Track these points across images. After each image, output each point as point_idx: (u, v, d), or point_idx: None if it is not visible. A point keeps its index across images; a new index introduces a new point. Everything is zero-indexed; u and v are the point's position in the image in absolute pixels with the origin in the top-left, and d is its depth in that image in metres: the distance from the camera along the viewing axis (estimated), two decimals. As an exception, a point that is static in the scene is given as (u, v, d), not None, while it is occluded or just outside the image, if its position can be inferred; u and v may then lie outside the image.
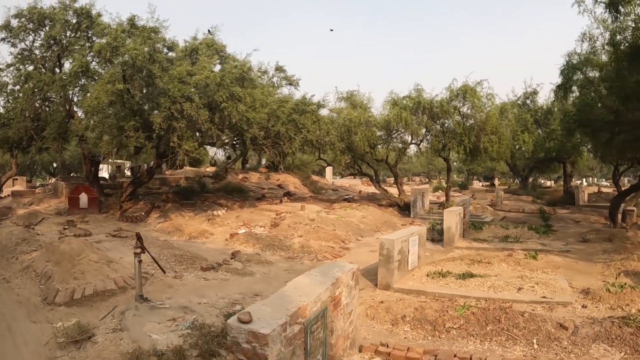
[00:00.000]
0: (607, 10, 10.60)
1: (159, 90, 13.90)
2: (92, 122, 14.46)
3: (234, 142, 19.51)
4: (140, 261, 6.95)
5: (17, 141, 18.14)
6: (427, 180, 55.41)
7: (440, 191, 34.13)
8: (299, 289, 3.90)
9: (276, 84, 27.88)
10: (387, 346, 5.08)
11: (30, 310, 6.82)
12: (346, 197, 26.23)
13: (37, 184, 34.63)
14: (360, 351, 4.93)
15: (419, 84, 22.14)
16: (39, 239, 11.81)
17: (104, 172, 31.30)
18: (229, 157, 29.15)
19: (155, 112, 14.08)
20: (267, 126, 16.74)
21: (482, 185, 46.99)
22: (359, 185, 37.72)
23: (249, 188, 26.35)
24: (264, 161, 36.73)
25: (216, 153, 28.34)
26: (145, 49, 13.80)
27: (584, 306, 7.09)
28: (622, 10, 10.18)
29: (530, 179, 38.56)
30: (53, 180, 34.13)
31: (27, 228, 13.93)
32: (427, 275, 8.66)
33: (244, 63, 16.87)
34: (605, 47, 11.25)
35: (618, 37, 10.56)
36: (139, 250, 6.99)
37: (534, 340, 5.66)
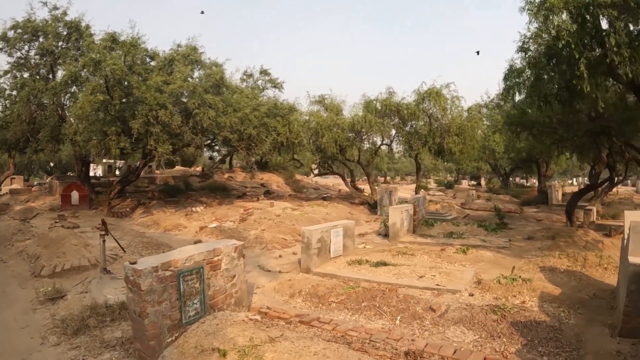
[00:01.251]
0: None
1: (137, 99, 16.30)
2: (80, 127, 16.80)
3: (211, 144, 21.87)
4: (104, 241, 9.32)
5: (14, 143, 20.75)
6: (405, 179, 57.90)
7: (422, 190, 36.32)
8: (182, 252, 6.02)
9: (261, 87, 30.29)
10: (268, 308, 7.28)
11: (21, 281, 9.18)
12: (324, 195, 28.55)
13: (35, 182, 37.36)
14: (248, 310, 7.14)
15: (391, 87, 24.52)
16: (32, 230, 14.24)
17: (98, 171, 33.92)
18: (210, 158, 31.59)
19: (134, 119, 16.40)
20: (239, 129, 19.01)
21: (469, 185, 49.19)
22: (342, 184, 40.09)
23: (233, 187, 28.73)
24: (235, 162, 38.78)
25: (203, 154, 30.83)
26: (124, 62, 16.22)
27: (471, 294, 7.79)
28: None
29: (516, 179, 40.86)
30: (49, 179, 36.93)
31: (23, 221, 16.37)
32: (347, 263, 10.45)
33: (217, 72, 19.17)
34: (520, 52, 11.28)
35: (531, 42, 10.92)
36: (103, 233, 9.36)
37: (399, 317, 6.80)
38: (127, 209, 20.79)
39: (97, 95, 15.18)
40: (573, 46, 9.06)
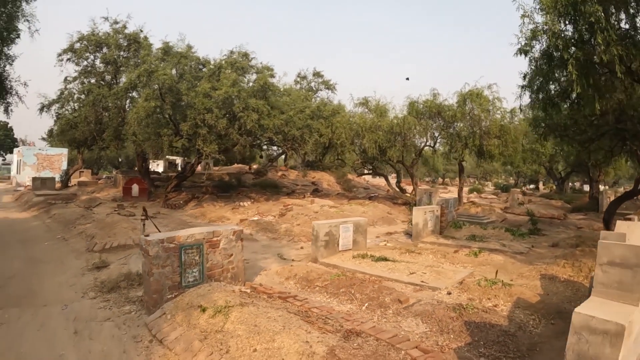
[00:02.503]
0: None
1: (187, 104, 18.86)
2: (136, 129, 19.62)
3: (257, 144, 24.23)
4: (144, 225, 11.65)
5: (82, 141, 24.31)
6: (475, 182, 57.77)
7: (475, 193, 36.97)
8: (187, 232, 8.01)
9: (314, 88, 32.50)
10: (260, 285, 9.07)
11: (77, 254, 11.63)
12: (372, 195, 30.06)
13: (104, 176, 41.83)
14: (243, 284, 8.96)
15: (435, 88, 25.67)
16: (93, 216, 16.95)
17: (160, 167, 37.71)
18: (261, 157, 34.17)
19: (185, 121, 18.94)
20: (283, 130, 21.14)
21: (527, 189, 48.68)
22: (394, 184, 41.29)
23: (284, 184, 31.00)
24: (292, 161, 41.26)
25: (260, 154, 33.47)
26: (176, 71, 18.90)
27: (448, 293, 8.20)
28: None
29: (576, 184, 40.11)
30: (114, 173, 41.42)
31: (86, 209, 19.30)
32: (353, 256, 11.71)
33: (261, 77, 21.37)
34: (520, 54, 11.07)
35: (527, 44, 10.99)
36: (144, 218, 11.70)
37: (366, 304, 7.72)
38: (181, 202, 23.49)
39: (150, 102, 17.88)
40: (561, 47, 9.49)
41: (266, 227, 16.84)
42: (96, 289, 8.65)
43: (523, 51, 10.82)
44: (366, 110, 25.74)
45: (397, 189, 27.65)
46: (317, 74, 33.12)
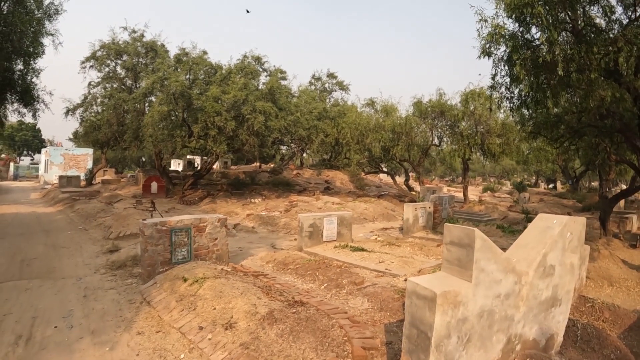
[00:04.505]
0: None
1: (198, 107, 21.05)
2: (152, 131, 21.89)
3: (264, 144, 26.24)
4: (152, 214, 13.78)
5: (105, 142, 26.94)
6: (493, 180, 58.65)
7: (488, 192, 38.15)
8: (176, 217, 10.04)
9: (328, 89, 34.39)
10: (241, 266, 10.96)
11: (94, 241, 13.81)
12: (382, 193, 31.70)
13: (128, 174, 44.82)
14: (227, 265, 10.84)
15: (441, 88, 27.18)
16: (112, 210, 19.17)
17: (180, 166, 40.42)
18: (273, 156, 36.27)
19: (196, 124, 21.13)
20: (290, 131, 23.12)
21: (546, 188, 49.33)
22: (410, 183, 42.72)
23: (297, 182, 32.93)
24: (309, 160, 43.39)
25: (273, 153, 35.55)
26: (187, 77, 21.15)
27: (405, 280, 8.82)
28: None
29: (592, 183, 40.64)
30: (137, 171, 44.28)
31: (107, 204, 21.67)
32: (334, 246, 12.99)
33: (270, 80, 23.35)
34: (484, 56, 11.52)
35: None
36: (152, 209, 13.83)
37: (325, 284, 9.09)
38: (196, 198, 25.68)
39: (163, 107, 20.12)
40: (510, 48, 10.38)
41: (267, 221, 18.80)
42: (107, 267, 10.69)
43: (487, 53, 11.35)
44: (372, 110, 27.47)
45: (405, 187, 29.28)
46: (331, 75, 34.98)
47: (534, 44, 10.26)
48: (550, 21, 9.47)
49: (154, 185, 26.62)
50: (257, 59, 25.66)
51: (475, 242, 4.60)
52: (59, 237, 14.60)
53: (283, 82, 26.38)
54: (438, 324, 4.32)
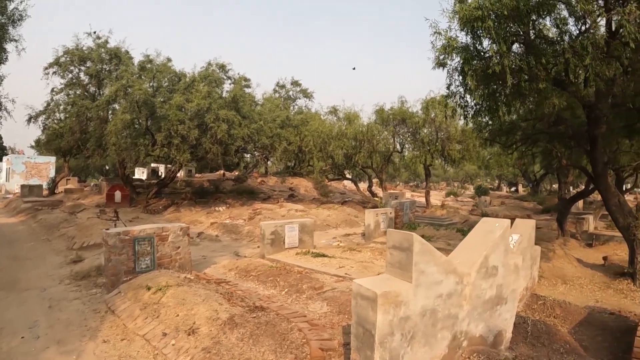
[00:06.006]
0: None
1: (161, 116, 21.26)
2: (115, 139, 21.96)
3: (227, 152, 26.59)
4: (115, 224, 13.99)
5: (68, 150, 26.77)
6: (457, 185, 60.34)
7: (451, 196, 39.37)
8: (140, 226, 10.36)
9: (292, 97, 34.93)
10: (204, 274, 11.34)
11: (58, 252, 13.90)
12: (346, 199, 32.33)
13: (92, 183, 44.36)
14: (190, 273, 11.17)
15: (403, 96, 28.12)
16: (75, 220, 19.19)
17: (144, 174, 40.27)
18: (237, 164, 36.57)
19: (160, 132, 21.34)
20: (254, 139, 23.52)
21: (507, 191, 51.16)
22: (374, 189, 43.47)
23: (261, 190, 33.27)
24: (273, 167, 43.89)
25: (237, 160, 35.87)
26: (151, 85, 21.35)
27: None
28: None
29: (554, 185, 42.23)
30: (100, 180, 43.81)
31: (70, 214, 21.62)
32: (296, 253, 13.38)
33: (234, 89, 23.72)
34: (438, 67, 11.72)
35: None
36: (115, 219, 14.04)
37: (286, 290, 9.49)
38: (160, 207, 25.78)
39: (126, 115, 20.28)
40: (462, 60, 10.76)
41: (231, 230, 19.15)
42: (71, 278, 10.88)
43: (441, 64, 11.55)
44: (335, 118, 28.15)
45: (369, 193, 30.00)
46: (295, 83, 35.60)
47: (486, 56, 10.68)
48: (500, 34, 9.89)
49: (118, 195, 26.59)
50: (222, 67, 26.01)
51: (414, 246, 5.03)
52: (22, 248, 14.67)
53: (247, 90, 26.77)
54: (380, 322, 4.74)
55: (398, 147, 28.20)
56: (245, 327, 6.89)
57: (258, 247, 16.03)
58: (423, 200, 30.65)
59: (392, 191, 30.34)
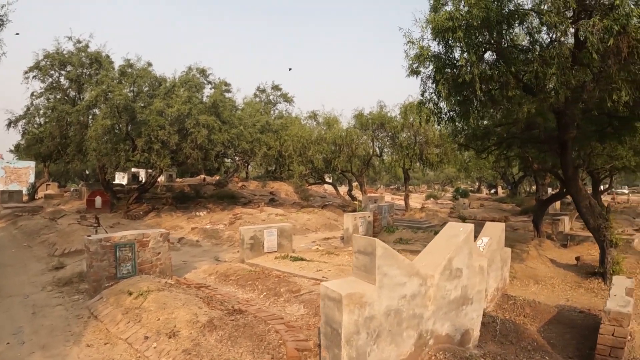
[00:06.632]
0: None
1: (142, 121, 21.53)
2: (95, 144, 22.15)
3: (208, 157, 26.91)
4: (96, 231, 14.25)
5: (48, 155, 26.80)
6: (438, 188, 61.42)
7: (431, 199, 40.14)
8: (121, 233, 10.70)
9: (273, 101, 35.33)
10: (185, 279, 11.70)
11: (39, 259, 14.12)
12: (326, 203, 32.75)
13: (72, 188, 44.23)
14: (171, 278, 11.53)
15: (382, 100, 28.75)
16: (56, 226, 19.37)
17: (125, 179, 40.30)
18: (217, 169, 36.86)
19: (140, 137, 21.60)
20: (234, 144, 23.88)
21: (486, 193, 52.26)
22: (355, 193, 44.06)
23: (242, 195, 33.52)
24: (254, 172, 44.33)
25: (217, 165, 36.10)
26: (131, 90, 21.62)
27: None
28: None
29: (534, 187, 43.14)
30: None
31: (51, 220, 21.75)
32: (275, 257, 13.77)
33: (214, 94, 24.05)
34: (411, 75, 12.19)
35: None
36: (96, 225, 14.32)
37: (264, 293, 9.91)
38: (141, 213, 25.95)
39: (106, 120, 20.52)
40: (434, 69, 11.21)
41: (212, 235, 19.48)
42: (53, 284, 11.15)
43: (414, 72, 11.93)
44: (315, 123, 28.63)
45: (349, 197, 30.53)
46: (275, 87, 36.00)
47: (457, 65, 11.01)
48: (471, 44, 10.30)
49: (98, 200, 26.70)
50: (202, 72, 26.37)
51: (377, 250, 5.40)
52: (3, 255, 14.85)
53: (227, 95, 27.15)
54: (346, 321, 5.12)
55: (377, 151, 28.74)
56: (224, 330, 7.24)
57: (238, 251, 16.28)
58: (403, 203, 31.24)
59: (371, 195, 30.80)
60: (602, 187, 33.65)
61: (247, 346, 6.78)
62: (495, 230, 11.21)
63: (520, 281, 12.59)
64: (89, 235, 10.21)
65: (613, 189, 56.44)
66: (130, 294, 8.93)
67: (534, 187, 53.44)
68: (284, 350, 6.76)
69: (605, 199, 43.89)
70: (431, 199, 42.60)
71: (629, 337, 7.55)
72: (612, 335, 6.97)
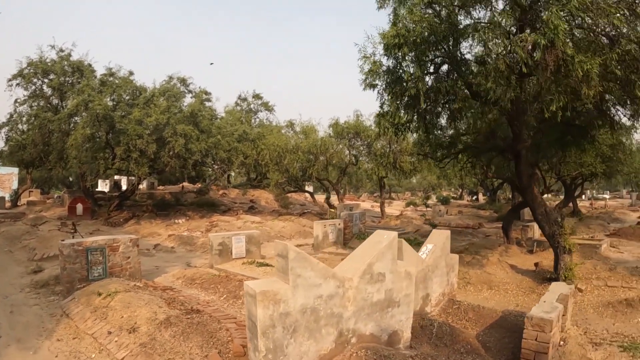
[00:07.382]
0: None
1: (121, 130, 22.65)
2: (75, 153, 23.17)
3: (186, 166, 28.02)
4: (73, 236, 15.32)
5: (30, 162, 27.79)
6: (419, 195, 62.84)
7: (411, 206, 41.42)
8: (92, 237, 11.81)
9: (254, 109, 36.49)
10: (153, 282, 12.68)
11: (19, 262, 15.12)
12: (305, 211, 33.84)
13: (55, 195, 44.99)
14: (140, 281, 12.50)
15: (358, 110, 30.01)
16: (37, 232, 20.35)
17: (107, 186, 41.21)
18: (197, 177, 37.95)
19: (119, 146, 22.71)
20: (212, 153, 25.04)
21: (468, 200, 53.70)
22: (334, 201, 44.98)
23: (222, 202, 34.56)
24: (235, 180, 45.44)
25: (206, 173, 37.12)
26: (111, 100, 22.75)
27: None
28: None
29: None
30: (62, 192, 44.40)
31: (32, 226, 22.74)
32: (242, 263, 14.73)
33: (193, 104, 25.19)
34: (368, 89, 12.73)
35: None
36: (73, 231, 15.40)
37: (224, 295, 10.92)
38: (121, 220, 26.92)
39: (86, 129, 21.62)
40: (385, 85, 12.07)
41: (187, 241, 20.56)
42: (31, 286, 12.13)
43: (370, 86, 12.40)
44: (292, 132, 29.86)
45: (327, 205, 31.72)
46: (256, 96, 37.08)
47: (404, 79, 11.50)
48: (418, 59, 10.96)
49: (80, 207, 27.65)
50: (182, 81, 27.53)
51: (289, 254, 6.10)
52: (-17, 260, 15.87)
53: (207, 104, 28.12)
54: (261, 315, 5.85)
55: (353, 159, 29.91)
56: (178, 326, 8.22)
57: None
58: (377, 210, 32.37)
59: (347, 202, 31.87)
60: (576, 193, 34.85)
61: (197, 341, 7.70)
62: (440, 238, 11.76)
63: (474, 286, 13.19)
64: (63, 240, 11.27)
65: (593, 195, 58.29)
66: (100, 294, 9.92)
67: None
68: (231, 346, 7.64)
69: (583, 204, 45.32)
70: (411, 206, 43.82)
71: (561, 343, 8.05)
72: (536, 340, 7.31)
